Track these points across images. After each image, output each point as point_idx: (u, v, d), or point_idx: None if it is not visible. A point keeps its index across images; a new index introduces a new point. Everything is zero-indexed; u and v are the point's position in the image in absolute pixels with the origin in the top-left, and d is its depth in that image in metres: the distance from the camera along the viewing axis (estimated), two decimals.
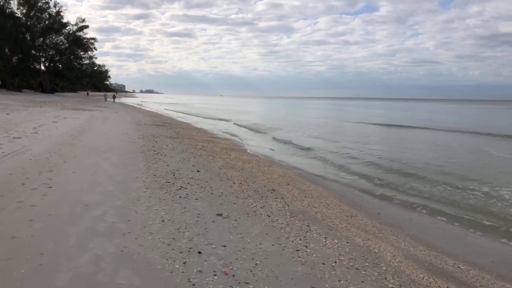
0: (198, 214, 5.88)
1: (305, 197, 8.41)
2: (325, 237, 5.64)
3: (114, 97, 69.42)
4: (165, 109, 54.93)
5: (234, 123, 32.85)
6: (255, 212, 6.42)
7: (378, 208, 8.63)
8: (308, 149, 18.03)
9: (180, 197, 6.72)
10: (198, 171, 9.41)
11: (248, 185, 8.55)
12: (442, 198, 9.51)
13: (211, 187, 7.78)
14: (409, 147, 20.39)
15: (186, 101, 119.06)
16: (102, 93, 78.59)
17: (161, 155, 11.11)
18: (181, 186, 7.49)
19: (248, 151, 16.09)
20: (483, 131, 27.76)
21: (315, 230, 5.91)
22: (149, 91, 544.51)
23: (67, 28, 70.80)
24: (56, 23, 68.51)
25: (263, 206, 6.86)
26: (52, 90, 73.63)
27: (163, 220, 5.36)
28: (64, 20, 69.81)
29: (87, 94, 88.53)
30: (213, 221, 5.63)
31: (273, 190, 8.47)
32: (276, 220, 6.12)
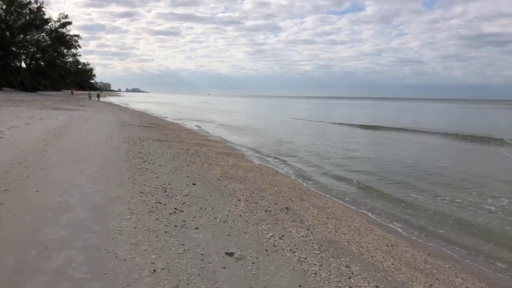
0: (202, 254, 4.31)
1: (328, 218, 6.90)
2: (377, 286, 4.13)
3: (98, 96, 66.91)
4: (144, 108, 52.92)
5: (225, 124, 31.27)
6: (274, 246, 4.87)
7: (413, 230, 7.18)
8: (308, 154, 16.56)
9: (176, 226, 5.12)
10: (194, 184, 7.82)
11: (257, 203, 7.00)
12: (481, 216, 8.09)
13: (213, 208, 6.20)
14: (412, 151, 19.06)
15: (173, 101, 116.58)
16: (87, 92, 76.02)
17: (149, 163, 9.48)
18: (175, 209, 5.90)
19: (245, 156, 14.54)
20: (480, 134, 26.50)
21: (359, 274, 4.39)
22: (135, 90, 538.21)
23: (49, 24, 68.06)
24: (38, 19, 65.73)
25: (283, 236, 5.32)
26: (34, 89, 70.85)
27: (154, 270, 3.77)
28: (46, 16, 67.19)
29: (72, 92, 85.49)
30: (224, 267, 4.06)
31: (288, 209, 6.94)
32: (305, 259, 4.58)
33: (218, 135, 21.67)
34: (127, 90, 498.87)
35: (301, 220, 6.35)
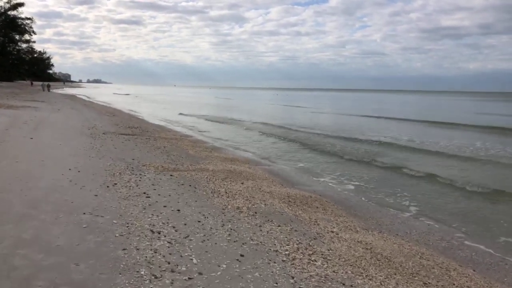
0: None
1: None
2: None
3: (48, 86, 55.48)
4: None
5: (226, 129, 24.63)
6: None
7: None
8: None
9: None
10: None
11: None
12: None
13: None
14: None
15: (140, 92, 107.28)
16: (41, 83, 65.62)
17: None
18: None
19: (316, 195, 8.04)
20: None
21: None
22: (97, 81, 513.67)
23: None
24: None
25: None
26: None
27: None
28: None
29: (31, 83, 74.44)
30: None
31: None
32: None
33: (229, 144, 15.04)
34: (88, 81, 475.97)
35: None
